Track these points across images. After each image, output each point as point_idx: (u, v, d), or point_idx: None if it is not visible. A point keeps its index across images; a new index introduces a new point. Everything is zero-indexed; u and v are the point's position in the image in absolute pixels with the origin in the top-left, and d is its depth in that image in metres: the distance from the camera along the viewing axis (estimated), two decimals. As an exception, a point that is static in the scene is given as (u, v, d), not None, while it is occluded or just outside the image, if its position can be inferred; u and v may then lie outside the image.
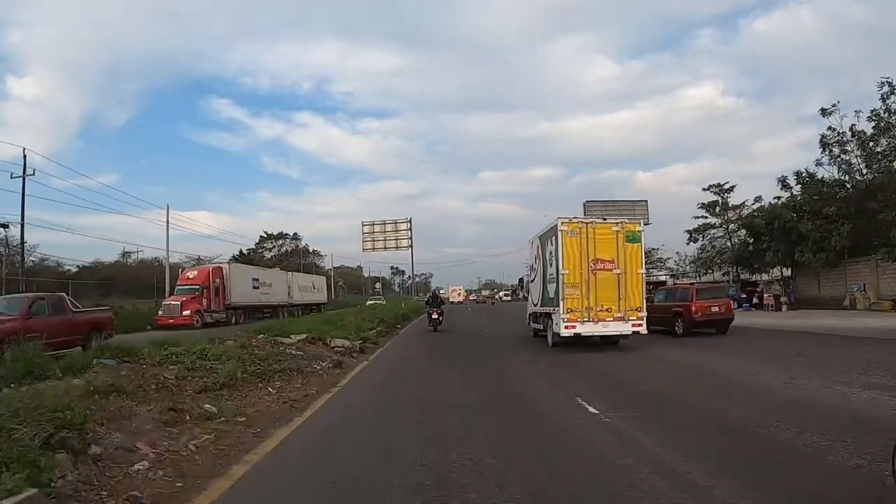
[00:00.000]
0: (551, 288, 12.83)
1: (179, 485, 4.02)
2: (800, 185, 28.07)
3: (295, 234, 76.53)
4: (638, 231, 12.37)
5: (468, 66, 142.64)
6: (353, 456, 4.76)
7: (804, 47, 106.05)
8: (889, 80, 24.13)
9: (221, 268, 30.19)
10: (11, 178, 25.47)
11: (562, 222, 12.00)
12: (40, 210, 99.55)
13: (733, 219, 35.51)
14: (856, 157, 26.57)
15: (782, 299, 27.68)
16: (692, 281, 18.21)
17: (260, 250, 70.79)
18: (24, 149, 26.38)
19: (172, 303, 26.48)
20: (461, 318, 30.46)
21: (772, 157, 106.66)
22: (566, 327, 11.78)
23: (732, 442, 4.81)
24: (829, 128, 26.95)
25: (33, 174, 26.36)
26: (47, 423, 3.78)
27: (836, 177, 27.21)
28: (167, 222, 36.75)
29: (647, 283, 36.37)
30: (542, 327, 14.51)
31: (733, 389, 7.39)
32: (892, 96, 24.16)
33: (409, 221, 50.34)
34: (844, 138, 26.51)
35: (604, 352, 12.15)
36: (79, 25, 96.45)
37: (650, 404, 6.66)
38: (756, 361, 9.90)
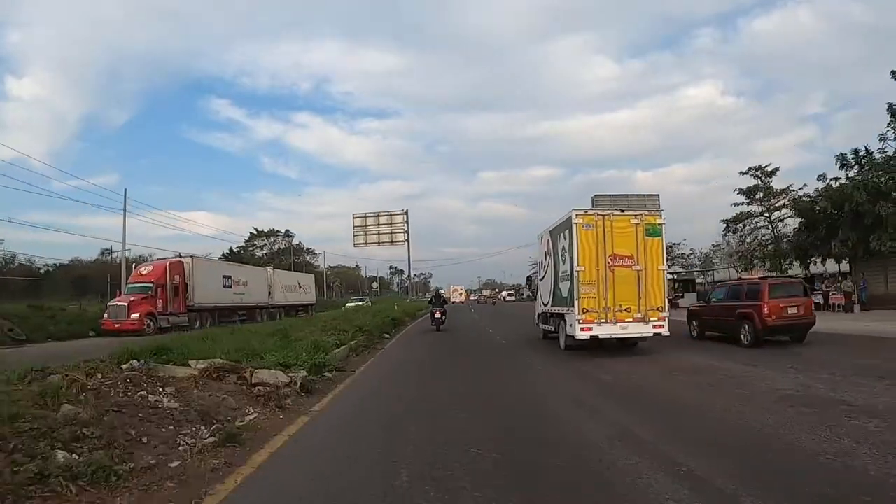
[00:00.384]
0: (564, 286, 11.87)
1: None
2: (862, 164, 24.22)
3: (287, 231, 74.22)
4: (659, 224, 11.44)
5: (468, 65, 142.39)
6: None
7: (803, 47, 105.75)
8: None
9: (182, 262, 25.80)
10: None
11: (576, 214, 11.06)
12: (40, 211, 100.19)
13: (778, 205, 31.53)
14: None
15: (853, 297, 23.58)
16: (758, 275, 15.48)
17: (251, 248, 68.84)
18: None
19: (119, 304, 22.47)
20: (464, 320, 29.23)
21: (772, 157, 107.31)
22: (582, 329, 10.83)
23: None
24: None
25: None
26: None
27: None
28: (124, 209, 33.26)
29: (673, 281, 33.34)
30: (552, 329, 13.57)
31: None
32: None
33: (405, 214, 46.71)
34: None
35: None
36: (79, 25, 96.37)
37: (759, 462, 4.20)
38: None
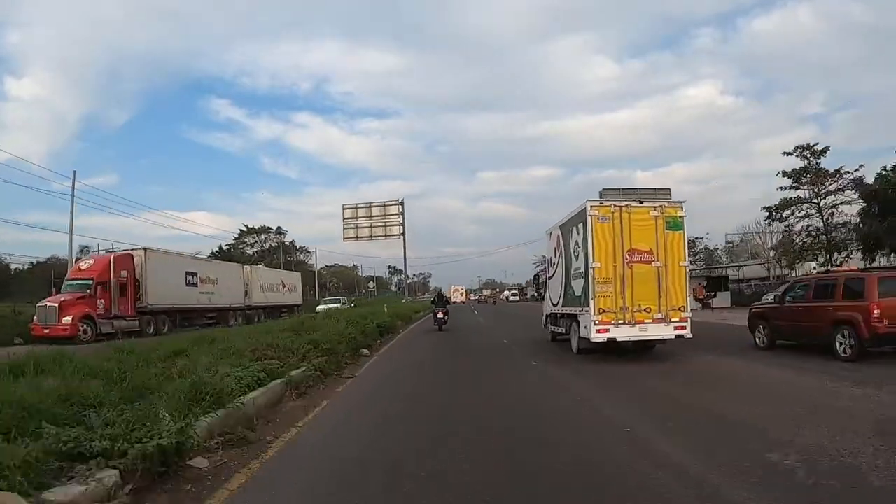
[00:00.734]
0: (577, 285, 11.01)
1: None
2: None
3: (279, 227, 71.55)
4: (680, 217, 10.61)
5: (468, 65, 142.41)
6: None
7: (803, 47, 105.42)
8: None
9: (131, 256, 22.09)
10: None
11: (591, 205, 10.20)
12: (39, 211, 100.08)
13: (831, 188, 27.95)
14: None
15: None
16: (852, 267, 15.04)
17: (240, 246, 66.54)
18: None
19: (49, 304, 19.11)
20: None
21: (771, 157, 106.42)
22: (598, 331, 9.97)
23: None
24: None
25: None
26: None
27: None
28: (72, 193, 29.54)
29: (703, 277, 32.25)
30: (563, 330, 12.72)
31: None
32: None
33: (401, 204, 41.54)
34: None
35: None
36: (79, 25, 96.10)
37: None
38: None
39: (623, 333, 10.13)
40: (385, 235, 41.87)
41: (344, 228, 41.55)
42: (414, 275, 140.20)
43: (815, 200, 28.77)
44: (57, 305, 19.02)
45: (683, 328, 10.38)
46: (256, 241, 68.95)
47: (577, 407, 6.78)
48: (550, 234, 13.58)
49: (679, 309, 10.38)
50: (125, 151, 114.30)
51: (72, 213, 29.31)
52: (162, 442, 3.87)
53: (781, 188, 29.55)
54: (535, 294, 20.71)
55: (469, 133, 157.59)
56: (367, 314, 20.14)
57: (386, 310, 24.81)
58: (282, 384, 7.54)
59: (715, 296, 29.74)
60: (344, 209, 42.01)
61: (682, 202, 10.86)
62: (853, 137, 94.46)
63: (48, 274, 34.42)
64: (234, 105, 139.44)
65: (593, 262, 10.07)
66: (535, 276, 21.86)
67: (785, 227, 30.84)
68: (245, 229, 68.33)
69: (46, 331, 18.50)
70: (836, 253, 27.01)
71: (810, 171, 28.53)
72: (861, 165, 27.44)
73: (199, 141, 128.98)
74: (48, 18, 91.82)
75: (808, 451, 4.37)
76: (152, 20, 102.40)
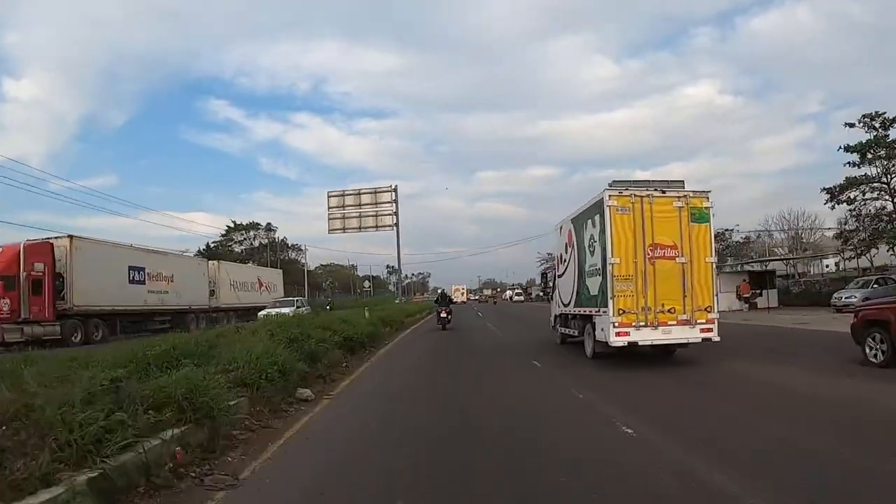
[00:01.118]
0: (593, 283, 10.11)
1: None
2: None
3: (268, 224, 68.08)
4: (706, 208, 9.73)
5: (467, 65, 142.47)
6: None
7: (802, 46, 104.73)
8: None
9: (51, 245, 18.22)
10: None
11: (610, 195, 9.31)
12: (36, 212, 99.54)
13: None
14: None
15: None
16: None
17: (228, 243, 63.74)
18: None
19: None
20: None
21: (770, 156, 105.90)
22: (617, 334, 9.07)
23: None
24: None
25: None
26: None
27: None
28: None
29: (746, 273, 29.94)
30: (576, 333, 11.85)
31: None
32: None
33: (394, 191, 35.66)
34: None
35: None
36: (78, 25, 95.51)
37: None
38: None
39: (644, 336, 9.23)
40: (376, 227, 35.67)
41: (329, 219, 35.41)
42: (412, 274, 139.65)
43: (884, 179, 25.18)
44: None
45: (710, 330, 9.51)
46: (245, 239, 66.13)
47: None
48: (560, 228, 12.66)
49: (705, 309, 9.49)
50: (124, 152, 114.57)
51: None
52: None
53: (851, 164, 25.70)
54: (542, 293, 19.64)
55: (468, 133, 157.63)
56: (334, 322, 13.70)
57: (368, 315, 18.90)
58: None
59: (760, 294, 27.11)
60: (329, 197, 35.76)
61: (708, 191, 9.97)
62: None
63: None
64: (233, 105, 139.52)
65: (612, 257, 9.16)
66: (542, 273, 20.82)
67: (851, 210, 27.14)
68: (232, 226, 65.00)
69: None
70: None
71: (880, 145, 24.70)
72: None
73: (197, 142, 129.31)
74: (47, 18, 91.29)
75: None
76: (152, 20, 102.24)
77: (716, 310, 9.63)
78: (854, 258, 31.70)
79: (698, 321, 9.43)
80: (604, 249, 9.41)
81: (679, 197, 9.60)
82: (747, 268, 34.22)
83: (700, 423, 5.64)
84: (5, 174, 42.33)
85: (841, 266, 38.49)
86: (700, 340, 9.48)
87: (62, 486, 3.24)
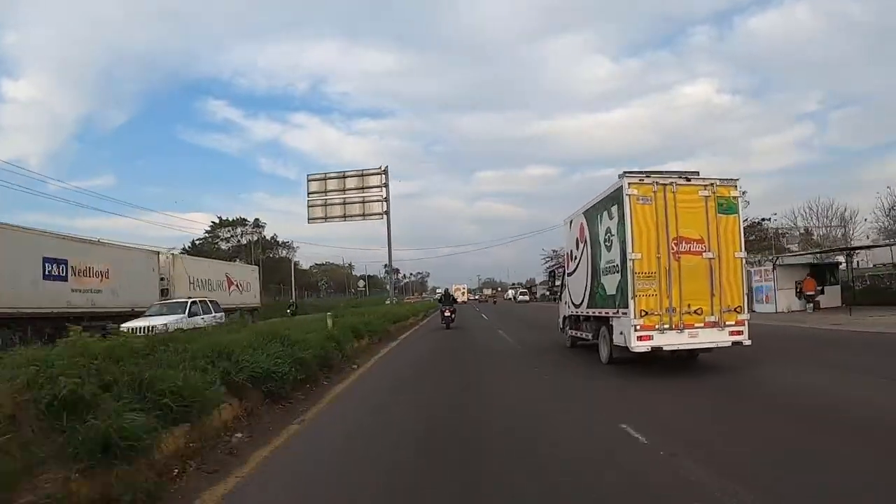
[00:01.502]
0: (610, 281, 9.24)
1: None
2: None
3: (256, 220, 64.45)
4: (734, 197, 8.89)
5: (466, 65, 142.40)
6: None
7: (800, 45, 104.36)
8: None
9: None
10: None
11: (629, 182, 8.46)
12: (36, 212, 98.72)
13: None
14: None
15: None
16: None
17: (214, 240, 60.99)
18: None
19: None
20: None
21: (769, 156, 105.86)
22: (639, 338, 8.20)
23: None
24: None
25: None
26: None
27: None
28: None
29: (807, 266, 25.13)
30: (590, 336, 10.97)
31: None
32: None
33: (385, 173, 30.37)
34: None
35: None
36: (78, 26, 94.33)
37: None
38: None
39: (670, 341, 8.34)
40: (363, 215, 30.21)
41: (309, 206, 29.98)
42: (411, 274, 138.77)
43: None
44: None
45: (740, 333, 8.65)
46: (232, 236, 62.97)
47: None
48: (571, 223, 11.78)
49: (735, 310, 8.63)
50: (122, 153, 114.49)
51: None
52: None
53: None
54: (549, 293, 18.50)
55: (467, 133, 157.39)
56: (255, 341, 8.08)
57: (331, 324, 13.09)
58: None
59: (823, 291, 23.94)
60: (309, 181, 30.33)
61: (736, 179, 9.12)
62: (851, 136, 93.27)
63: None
64: (232, 106, 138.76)
65: (633, 252, 8.28)
66: (549, 272, 19.86)
67: None
68: (218, 221, 61.66)
69: None
70: None
71: None
72: None
73: (196, 142, 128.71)
74: (47, 18, 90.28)
75: None
76: (152, 20, 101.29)
77: (746, 310, 8.75)
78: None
79: (727, 323, 8.56)
80: (623, 244, 8.52)
81: (705, 185, 8.73)
82: (805, 260, 27.94)
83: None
84: (3, 176, 40.69)
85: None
86: (730, 344, 8.60)
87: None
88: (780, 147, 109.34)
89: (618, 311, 8.86)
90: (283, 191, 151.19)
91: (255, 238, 62.99)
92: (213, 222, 61.56)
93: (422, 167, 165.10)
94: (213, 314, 18.91)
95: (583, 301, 11.04)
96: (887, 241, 30.01)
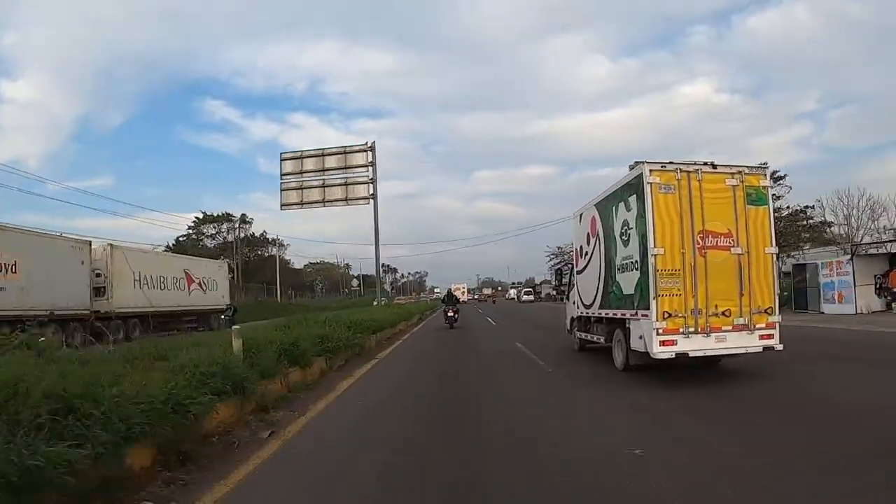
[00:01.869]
0: (627, 279, 8.43)
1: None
2: None
3: (243, 215, 60.95)
4: (764, 187, 8.10)
5: (465, 65, 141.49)
6: None
7: (799, 44, 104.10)
8: None
9: None
10: None
11: (651, 169, 7.70)
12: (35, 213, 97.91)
13: None
14: None
15: None
16: None
17: (199, 237, 58.09)
18: None
19: None
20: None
21: (768, 155, 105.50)
22: (662, 343, 7.39)
23: None
24: None
25: None
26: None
27: None
28: None
29: (888, 256, 21.03)
30: (600, 339, 10.16)
31: None
32: None
33: (371, 150, 25.83)
34: None
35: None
36: (78, 26, 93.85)
37: None
38: None
39: (696, 346, 7.54)
40: (346, 199, 25.61)
41: (282, 190, 25.87)
42: (409, 273, 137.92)
43: None
44: None
45: (771, 337, 7.88)
46: (218, 232, 59.77)
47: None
48: (581, 216, 10.98)
49: (766, 311, 7.84)
50: (121, 153, 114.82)
51: None
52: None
53: None
54: (555, 292, 17.42)
55: (466, 132, 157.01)
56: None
57: (238, 346, 7.22)
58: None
59: None
60: (283, 160, 26.03)
61: (765, 166, 8.38)
62: (849, 135, 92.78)
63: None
64: (230, 106, 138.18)
65: (654, 247, 7.48)
66: (556, 270, 18.72)
67: None
68: (200, 217, 58.32)
69: None
70: None
71: None
72: None
73: (195, 142, 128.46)
74: (46, 19, 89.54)
75: None
76: (152, 20, 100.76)
77: (777, 311, 7.95)
78: None
79: (757, 325, 7.78)
80: (643, 238, 7.72)
81: (732, 174, 7.94)
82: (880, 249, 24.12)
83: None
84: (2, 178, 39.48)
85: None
86: (761, 350, 7.81)
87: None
88: (779, 146, 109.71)
89: (636, 313, 8.06)
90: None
91: (242, 235, 60.16)
92: (196, 218, 58.23)
93: (421, 167, 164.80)
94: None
95: (594, 301, 10.23)
96: None
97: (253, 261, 59.51)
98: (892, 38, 76.79)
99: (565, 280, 13.68)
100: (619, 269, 8.82)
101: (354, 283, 74.11)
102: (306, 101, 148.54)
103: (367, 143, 26.28)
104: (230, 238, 58.15)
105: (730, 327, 7.68)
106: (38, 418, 3.38)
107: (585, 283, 10.88)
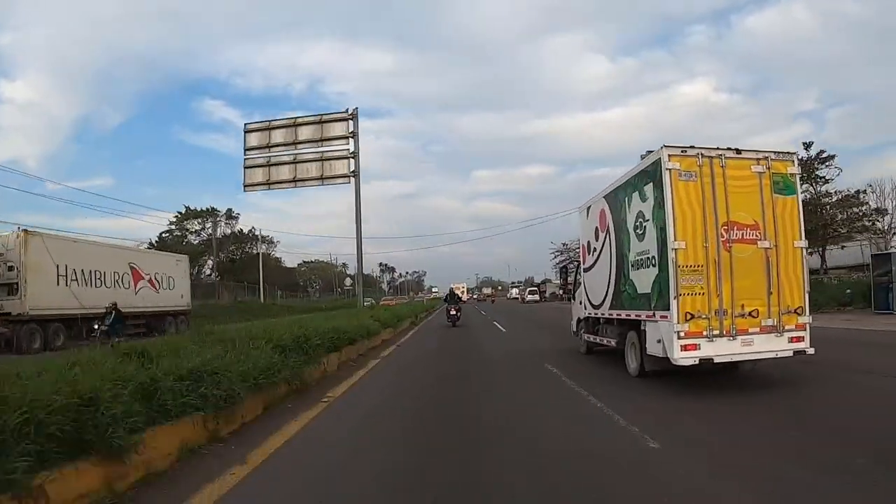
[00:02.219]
0: (642, 277, 7.73)
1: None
2: None
3: (229, 210, 58.17)
4: (792, 175, 7.39)
5: (465, 65, 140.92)
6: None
7: (797, 43, 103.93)
8: None
9: None
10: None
11: (670, 154, 6.97)
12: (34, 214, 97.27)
13: None
14: None
15: None
16: None
17: (182, 234, 55.47)
18: None
19: None
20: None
21: None
22: (684, 347, 6.69)
23: None
24: None
25: None
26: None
27: None
28: None
29: None
30: (611, 342, 9.44)
31: None
32: None
33: (353, 117, 20.53)
34: None
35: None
36: (78, 26, 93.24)
37: None
38: None
39: (720, 350, 6.83)
40: (321, 178, 20.56)
41: (246, 168, 20.94)
42: (407, 272, 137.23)
43: None
44: None
45: (801, 340, 7.19)
46: (203, 228, 56.59)
47: None
48: (588, 210, 10.27)
49: (796, 311, 7.16)
50: (120, 153, 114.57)
51: None
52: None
53: None
54: (562, 291, 16.57)
55: (465, 132, 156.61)
56: None
57: None
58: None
59: None
60: (247, 132, 21.08)
61: (793, 153, 7.65)
62: (848, 134, 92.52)
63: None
64: (230, 106, 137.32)
65: (675, 240, 6.77)
66: (562, 268, 17.90)
67: None
68: (182, 213, 54.66)
69: None
70: None
71: None
72: None
73: (194, 142, 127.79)
74: (46, 19, 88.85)
75: None
76: (152, 20, 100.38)
77: (807, 311, 7.25)
78: None
79: (786, 327, 7.07)
80: (662, 231, 7.01)
81: (758, 160, 7.26)
82: None
83: None
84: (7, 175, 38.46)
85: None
86: (791, 354, 7.10)
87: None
88: (779, 146, 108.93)
89: (653, 314, 7.35)
90: (279, 191, 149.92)
91: (229, 231, 58.06)
92: (178, 213, 54.89)
93: (420, 167, 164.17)
94: None
95: (604, 301, 9.52)
96: None
97: (240, 258, 57.63)
98: (892, 38, 76.61)
99: (571, 278, 12.99)
100: (632, 266, 8.11)
101: (348, 282, 71.44)
102: (306, 101, 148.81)
103: (347, 110, 20.96)
104: (219, 234, 56.12)
105: (757, 329, 6.98)
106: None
107: (594, 282, 10.16)
